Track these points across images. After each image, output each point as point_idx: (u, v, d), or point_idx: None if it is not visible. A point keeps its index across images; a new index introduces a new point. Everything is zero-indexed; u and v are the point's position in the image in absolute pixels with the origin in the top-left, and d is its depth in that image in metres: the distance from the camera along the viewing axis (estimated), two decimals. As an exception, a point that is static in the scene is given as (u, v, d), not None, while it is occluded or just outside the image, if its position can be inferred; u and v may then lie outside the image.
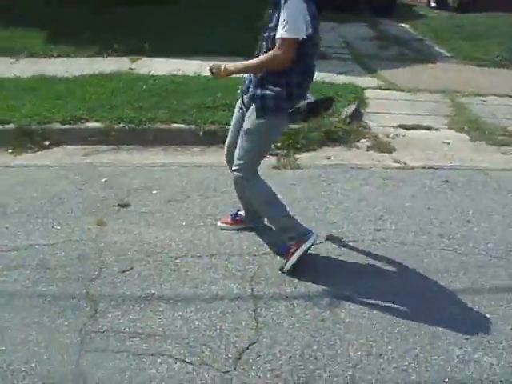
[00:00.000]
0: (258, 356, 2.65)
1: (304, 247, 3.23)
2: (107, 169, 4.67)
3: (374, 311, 3.01)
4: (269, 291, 3.13)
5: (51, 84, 5.97)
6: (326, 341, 2.77)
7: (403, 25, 10.19)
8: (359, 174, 4.74)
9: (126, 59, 7.21)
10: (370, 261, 3.49)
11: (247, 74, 3.28)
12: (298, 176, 4.68)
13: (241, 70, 3.12)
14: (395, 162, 5.10)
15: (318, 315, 2.95)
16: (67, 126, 5.20)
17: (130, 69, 6.79)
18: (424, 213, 4.12)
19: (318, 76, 6.47)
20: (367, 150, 5.36)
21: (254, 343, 2.73)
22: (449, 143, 5.57)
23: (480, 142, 5.66)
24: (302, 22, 2.91)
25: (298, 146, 5.29)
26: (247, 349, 2.70)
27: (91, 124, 5.25)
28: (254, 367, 2.58)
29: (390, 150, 5.35)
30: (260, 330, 2.82)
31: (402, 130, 5.80)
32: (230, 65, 3.13)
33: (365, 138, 5.59)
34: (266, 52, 3.03)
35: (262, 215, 3.50)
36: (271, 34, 2.99)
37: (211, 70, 3.18)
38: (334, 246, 3.63)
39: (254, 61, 3.04)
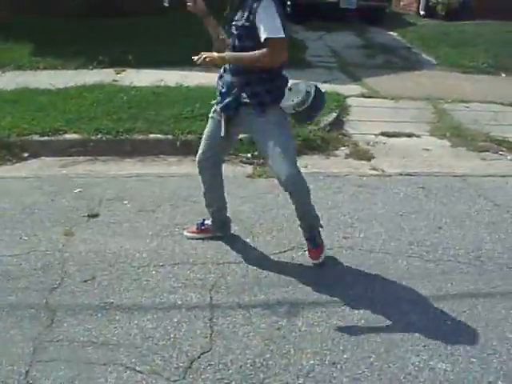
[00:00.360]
0: (209, 365, 2.64)
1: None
2: (82, 180, 4.69)
3: (333, 319, 2.99)
4: (227, 300, 3.12)
5: (33, 96, 6.02)
6: (279, 349, 2.76)
7: (391, 33, 10.22)
8: (334, 182, 4.74)
9: (111, 71, 7.26)
10: (334, 268, 3.49)
11: (223, 81, 3.22)
12: (270, 184, 4.63)
13: (232, 59, 3.06)
14: (373, 169, 5.10)
15: (274, 324, 2.94)
16: (46, 138, 5.24)
17: (114, 80, 6.84)
18: (395, 220, 4.11)
19: (301, 85, 6.59)
20: (345, 158, 5.36)
21: (207, 352, 2.72)
22: (429, 150, 5.57)
23: (461, 148, 5.66)
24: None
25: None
26: (199, 357, 2.69)
27: (69, 136, 5.29)
28: (203, 376, 2.57)
29: (369, 158, 5.35)
30: (214, 339, 2.81)
31: (383, 138, 5.81)
32: (224, 54, 3.06)
33: (344, 145, 5.60)
34: (233, 49, 3.04)
35: (305, 213, 3.45)
36: (238, 32, 3.00)
37: (204, 58, 3.01)
38: (299, 253, 3.62)
39: (249, 54, 2.97)
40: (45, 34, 8.02)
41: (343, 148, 5.55)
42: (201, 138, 3.59)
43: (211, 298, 3.14)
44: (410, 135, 5.85)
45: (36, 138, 5.22)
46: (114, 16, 9.10)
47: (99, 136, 5.28)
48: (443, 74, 7.83)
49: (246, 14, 2.95)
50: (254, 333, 2.87)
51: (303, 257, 3.58)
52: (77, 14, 9.19)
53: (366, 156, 5.37)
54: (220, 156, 3.50)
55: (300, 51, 8.23)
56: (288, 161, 3.17)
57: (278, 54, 2.95)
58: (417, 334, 2.90)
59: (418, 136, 5.86)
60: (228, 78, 3.18)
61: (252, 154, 5.27)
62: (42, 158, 5.16)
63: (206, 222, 3.73)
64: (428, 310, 3.11)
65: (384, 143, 5.69)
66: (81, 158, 5.18)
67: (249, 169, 5.04)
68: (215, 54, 3.04)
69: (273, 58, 2.96)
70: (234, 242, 3.71)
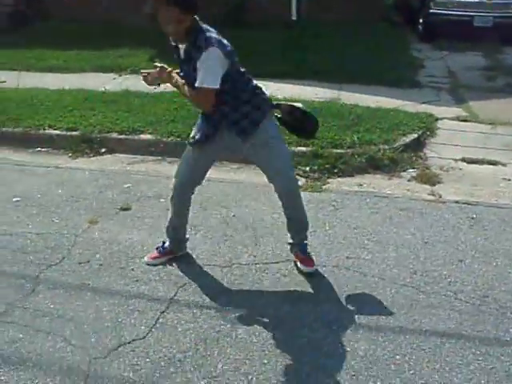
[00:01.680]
0: (133, 351, 2.90)
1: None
2: (138, 176, 5.19)
3: (276, 333, 3.06)
4: (189, 298, 3.35)
5: (129, 98, 6.75)
6: (204, 350, 2.91)
7: (531, 54, 9.35)
8: (377, 203, 4.66)
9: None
10: (313, 286, 3.50)
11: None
12: (309, 199, 4.71)
13: (177, 86, 3.32)
14: (430, 194, 4.89)
15: (216, 326, 3.10)
16: (123, 136, 5.86)
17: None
18: (416, 247, 3.96)
19: (393, 103, 6.52)
20: (409, 181, 5.19)
21: (138, 339, 2.98)
22: (509, 180, 5.17)
23: (551, 181, 5.15)
24: (220, 71, 3.09)
25: (335, 170, 5.32)
26: (129, 343, 2.96)
27: (144, 136, 5.85)
28: (121, 360, 2.84)
29: (434, 183, 5.13)
30: (152, 330, 3.06)
31: (462, 164, 5.51)
32: (176, 76, 3.31)
33: (414, 168, 5.42)
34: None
35: (301, 216, 3.62)
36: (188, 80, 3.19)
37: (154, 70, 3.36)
38: (290, 267, 3.68)
39: (188, 90, 3.23)
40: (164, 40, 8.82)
41: (411, 170, 5.38)
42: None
43: (176, 293, 3.39)
44: (494, 163, 5.47)
45: (114, 135, 5.87)
46: (242, 27, 9.66)
47: (170, 138, 5.76)
48: None
49: (191, 58, 3.12)
50: (191, 331, 3.06)
51: (290, 271, 3.64)
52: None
53: (432, 180, 5.15)
54: (199, 183, 3.64)
55: (412, 71, 8.04)
56: (286, 170, 3.44)
57: (206, 101, 3.17)
58: (352, 362, 2.85)
59: (503, 164, 5.45)
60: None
61: (310, 168, 5.36)
62: (117, 154, 5.78)
63: (165, 244, 3.76)
64: (384, 341, 3.02)
65: (460, 169, 5.40)
66: (150, 157, 5.71)
67: (301, 182, 5.12)
68: (169, 69, 3.28)
69: (200, 104, 3.26)
70: (235, 247, 3.90)
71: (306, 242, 3.68)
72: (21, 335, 3.01)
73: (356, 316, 3.21)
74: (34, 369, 2.78)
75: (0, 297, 3.35)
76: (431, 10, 9.58)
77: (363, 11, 10.01)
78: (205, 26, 3.17)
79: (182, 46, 3.21)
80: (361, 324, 3.15)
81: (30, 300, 3.32)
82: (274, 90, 7.22)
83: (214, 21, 3.20)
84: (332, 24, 9.74)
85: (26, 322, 3.12)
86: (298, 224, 3.64)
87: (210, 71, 3.06)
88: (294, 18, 10.07)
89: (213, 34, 3.13)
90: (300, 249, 3.65)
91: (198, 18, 3.17)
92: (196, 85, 3.10)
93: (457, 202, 4.71)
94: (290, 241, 3.68)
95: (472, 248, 3.96)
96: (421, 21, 9.89)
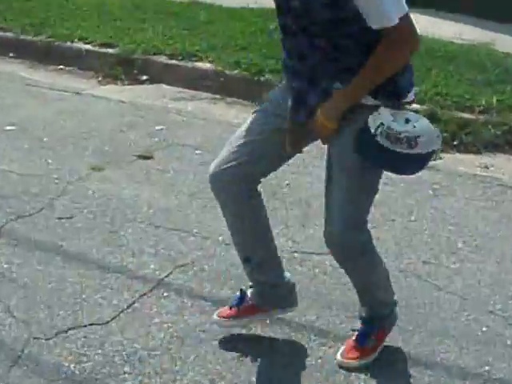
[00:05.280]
0: (85, 337, 3.09)
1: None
2: (178, 117, 5.45)
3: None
4: (184, 283, 3.50)
5: (196, 11, 6.99)
6: (176, 352, 3.04)
7: None
8: (500, 195, 4.61)
9: None
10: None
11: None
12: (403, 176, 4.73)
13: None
14: None
15: (203, 325, 3.22)
16: (173, 62, 6.12)
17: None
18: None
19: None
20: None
21: (98, 324, 3.17)
22: None
23: None
24: None
25: (455, 142, 5.28)
26: (85, 326, 3.16)
27: (202, 64, 6.09)
28: (67, 346, 3.03)
29: None
30: (120, 315, 3.23)
31: None
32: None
33: None
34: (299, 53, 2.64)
35: (364, 299, 3.11)
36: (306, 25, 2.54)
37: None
38: (333, 263, 3.68)
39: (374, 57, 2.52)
40: None
41: None
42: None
43: (169, 274, 3.56)
44: None
45: (162, 59, 6.15)
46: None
47: (236, 71, 5.91)
48: None
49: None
50: (170, 325, 3.17)
51: (330, 267, 3.68)
52: None
53: None
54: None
55: None
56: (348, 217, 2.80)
57: (409, 40, 2.56)
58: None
59: None
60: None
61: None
62: (161, 85, 6.09)
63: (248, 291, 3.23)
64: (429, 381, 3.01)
65: None
66: (204, 94, 5.94)
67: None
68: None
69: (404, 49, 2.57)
70: (274, 225, 3.82)
71: (377, 313, 3.09)
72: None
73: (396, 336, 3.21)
74: (-42, 339, 3.08)
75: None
76: None
77: None
78: None
79: None
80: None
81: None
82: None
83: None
84: None
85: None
86: (363, 294, 3.14)
87: None
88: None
89: None
90: (366, 319, 3.11)
91: None
92: (384, 24, 2.48)
93: None
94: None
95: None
96: None
